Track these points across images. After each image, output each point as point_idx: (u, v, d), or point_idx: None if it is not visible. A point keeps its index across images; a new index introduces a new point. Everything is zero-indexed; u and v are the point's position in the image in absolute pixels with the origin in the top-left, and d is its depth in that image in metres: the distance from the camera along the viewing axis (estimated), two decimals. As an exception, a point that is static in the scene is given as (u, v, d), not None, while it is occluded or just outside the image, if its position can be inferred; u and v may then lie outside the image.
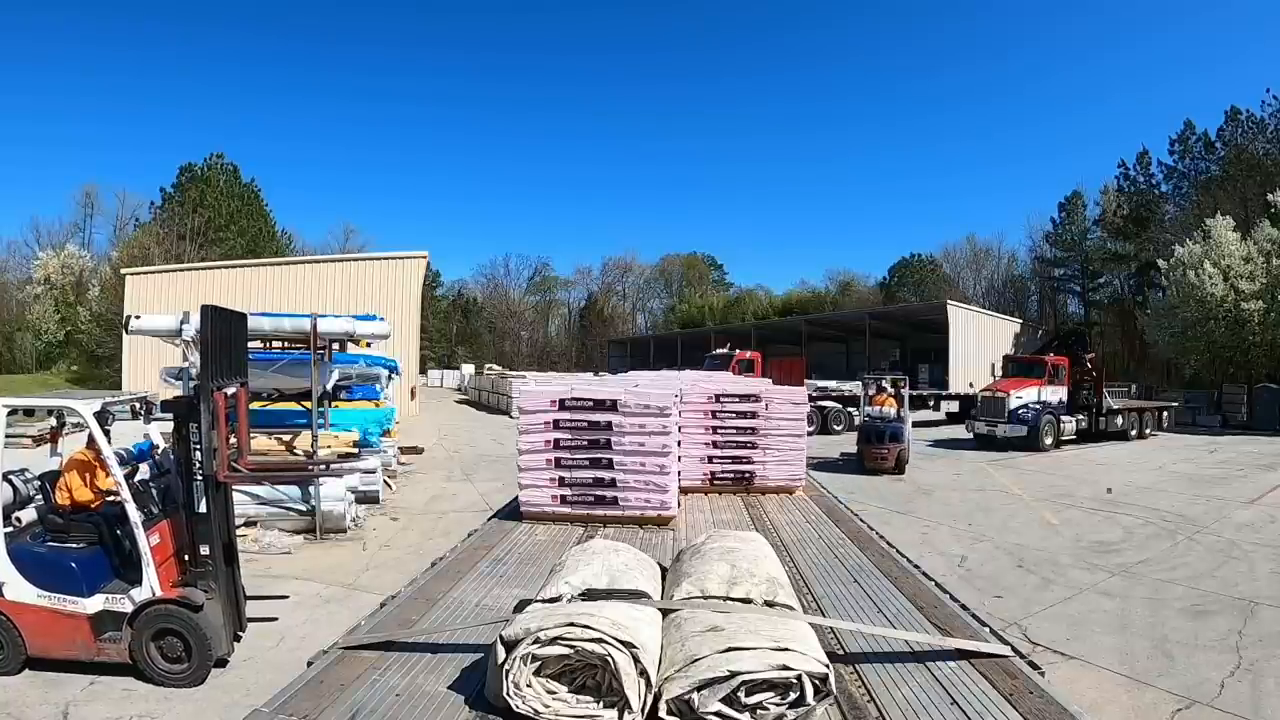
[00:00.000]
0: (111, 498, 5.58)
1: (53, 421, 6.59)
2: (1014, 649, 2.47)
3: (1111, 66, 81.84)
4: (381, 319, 12.66)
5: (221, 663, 5.35)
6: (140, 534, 5.22)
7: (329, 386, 10.79)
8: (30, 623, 5.28)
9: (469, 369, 49.06)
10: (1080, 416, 20.12)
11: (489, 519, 4.74)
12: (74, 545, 5.44)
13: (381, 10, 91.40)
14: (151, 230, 43.13)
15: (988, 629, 2.76)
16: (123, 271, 28.67)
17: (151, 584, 5.25)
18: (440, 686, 2.22)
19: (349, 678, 2.26)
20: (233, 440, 5.62)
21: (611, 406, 4.56)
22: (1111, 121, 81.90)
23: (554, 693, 1.97)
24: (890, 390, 16.11)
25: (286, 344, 11.34)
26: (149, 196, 50.22)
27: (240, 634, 5.67)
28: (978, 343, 31.43)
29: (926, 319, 34.85)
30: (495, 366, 44.66)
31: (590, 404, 4.59)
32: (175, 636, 5.18)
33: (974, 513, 11.33)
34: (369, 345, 12.65)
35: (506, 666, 1.97)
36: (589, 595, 2.29)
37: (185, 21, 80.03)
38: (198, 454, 5.18)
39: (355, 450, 10.60)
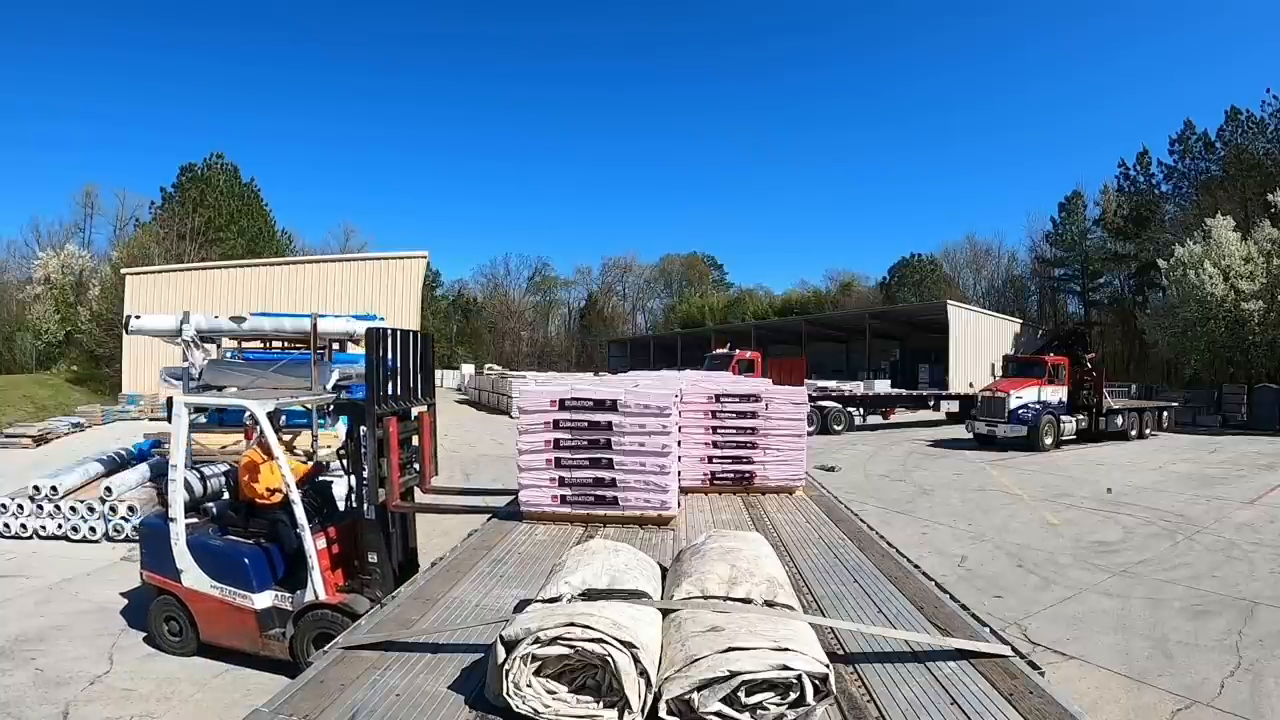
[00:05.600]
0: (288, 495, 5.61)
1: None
2: (1014, 649, 2.46)
3: (1112, 67, 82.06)
4: (381, 319, 12.65)
5: None
6: (307, 536, 5.23)
7: (329, 386, 10.78)
8: (203, 610, 5.47)
9: (469, 369, 48.97)
10: (1080, 416, 20.13)
11: (489, 519, 4.72)
12: (248, 541, 5.55)
13: (381, 10, 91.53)
14: (151, 230, 43.03)
15: (988, 629, 2.74)
16: (123, 271, 28.66)
17: (316, 587, 5.23)
18: (440, 686, 2.21)
19: (349, 678, 2.25)
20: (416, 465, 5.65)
21: (611, 406, 4.55)
22: (1111, 121, 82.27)
23: (554, 693, 1.96)
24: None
25: (286, 344, 11.34)
26: (149, 196, 50.20)
27: None
28: (978, 343, 31.46)
29: (926, 319, 34.85)
30: (495, 366, 44.64)
31: (590, 404, 4.57)
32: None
33: (974, 513, 11.34)
34: (369, 345, 12.63)
35: (506, 666, 1.97)
36: (589, 595, 2.29)
37: (185, 22, 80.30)
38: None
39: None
